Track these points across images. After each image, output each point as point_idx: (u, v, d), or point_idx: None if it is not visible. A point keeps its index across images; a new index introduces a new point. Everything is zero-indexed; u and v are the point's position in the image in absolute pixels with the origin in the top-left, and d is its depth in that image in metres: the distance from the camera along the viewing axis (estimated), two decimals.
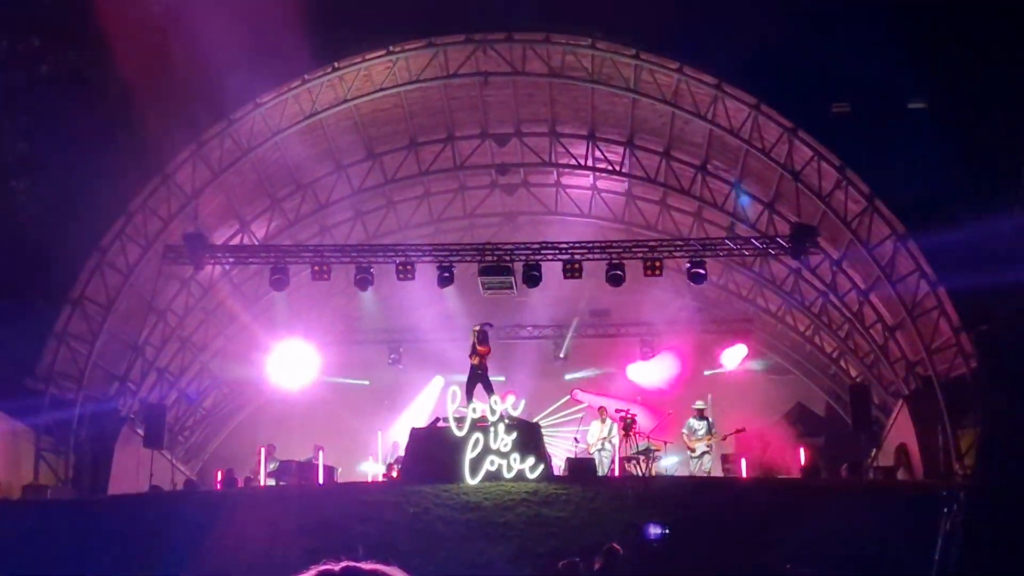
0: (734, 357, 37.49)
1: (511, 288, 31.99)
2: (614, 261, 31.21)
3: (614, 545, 16.94)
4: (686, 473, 30.14)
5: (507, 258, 31.34)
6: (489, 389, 26.22)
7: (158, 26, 28.18)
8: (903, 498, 22.89)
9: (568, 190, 37.05)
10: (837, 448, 34.08)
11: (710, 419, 30.66)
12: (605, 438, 30.30)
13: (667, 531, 19.81)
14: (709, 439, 29.75)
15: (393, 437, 32.87)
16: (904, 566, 17.62)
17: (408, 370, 39.19)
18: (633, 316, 39.44)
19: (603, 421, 30.75)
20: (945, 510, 15.94)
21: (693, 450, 29.81)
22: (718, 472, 31.24)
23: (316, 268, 31.20)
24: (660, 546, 19.70)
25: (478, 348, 26.78)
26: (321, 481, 28.99)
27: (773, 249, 31.78)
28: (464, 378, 27.20)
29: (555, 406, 37.23)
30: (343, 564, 3.60)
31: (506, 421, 25.05)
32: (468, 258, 32.03)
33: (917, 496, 22.00)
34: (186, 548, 20.51)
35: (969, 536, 15.00)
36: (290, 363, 35.24)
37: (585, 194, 37.07)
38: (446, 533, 21.22)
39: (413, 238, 35.54)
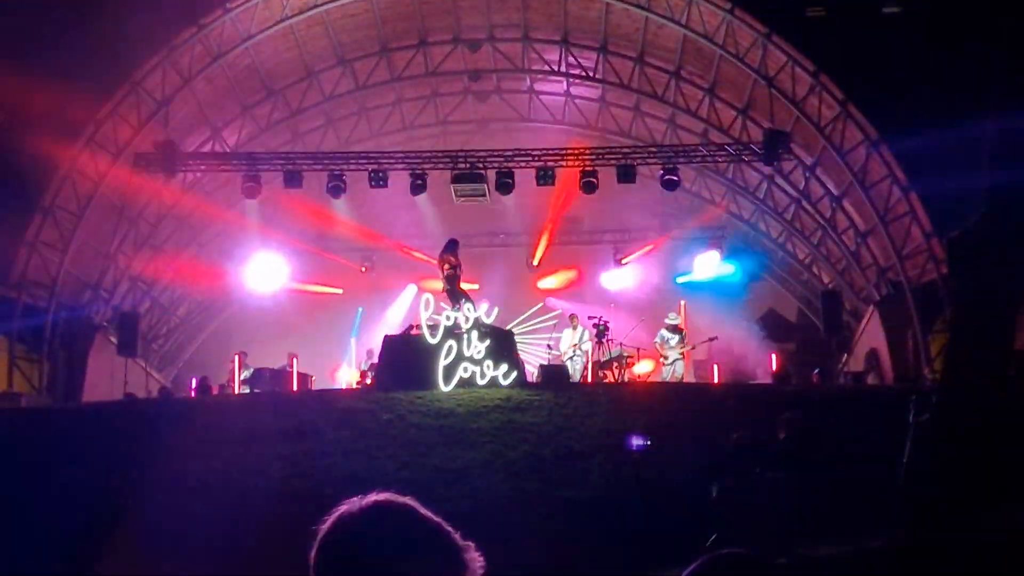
0: (707, 264, 37.57)
1: (484, 196, 32.00)
2: (587, 168, 31.12)
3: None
4: (659, 379, 30.12)
5: (480, 165, 31.28)
6: (462, 296, 26.23)
7: None
8: (873, 402, 23.00)
9: (541, 96, 36.98)
10: (808, 353, 34.49)
11: (684, 331, 30.67)
12: (576, 345, 30.44)
13: (649, 442, 19.90)
14: (681, 348, 29.83)
15: (367, 345, 32.88)
16: (874, 468, 17.77)
17: (381, 278, 39.22)
18: (606, 223, 39.50)
19: (574, 328, 30.88)
20: (913, 413, 16.06)
21: (666, 357, 29.89)
22: (691, 378, 31.43)
23: (288, 175, 31.04)
24: (641, 455, 19.83)
25: (449, 259, 26.73)
26: (295, 388, 29.04)
27: (746, 155, 31.87)
28: (437, 285, 27.31)
29: (528, 313, 37.31)
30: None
31: (479, 328, 25.04)
32: (441, 165, 31.94)
33: (887, 400, 22.15)
34: (161, 455, 20.50)
35: (937, 438, 15.14)
36: (263, 271, 35.26)
37: (558, 101, 36.98)
38: (420, 439, 21.18)
39: (385, 145, 35.41)
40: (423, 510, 3.59)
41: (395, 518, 3.54)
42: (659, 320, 30.89)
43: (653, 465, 19.72)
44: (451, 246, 26.73)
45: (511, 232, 39.47)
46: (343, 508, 3.57)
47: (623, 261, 39.01)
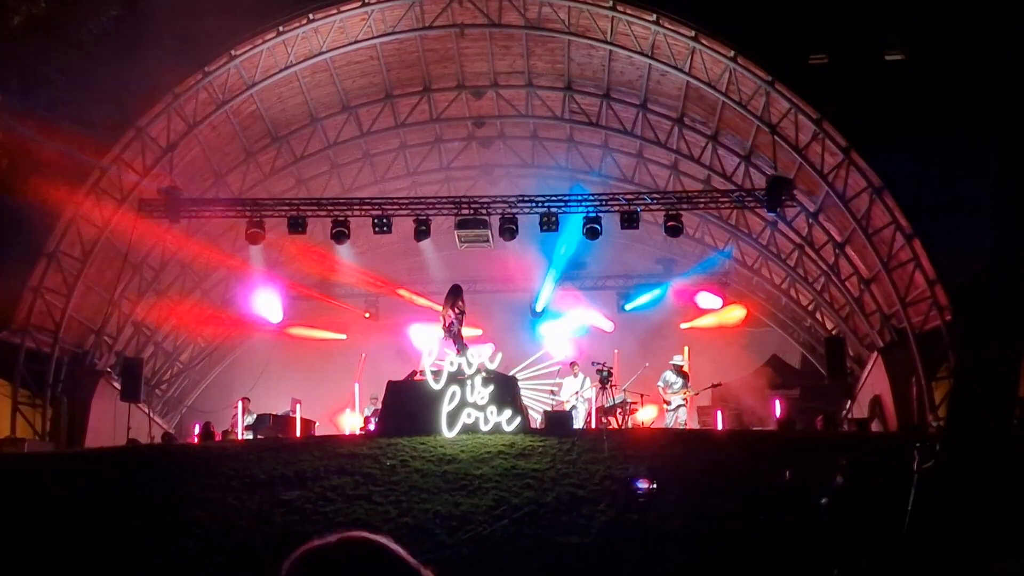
0: (710, 310, 37.51)
1: (487, 241, 32.08)
2: (591, 214, 31.22)
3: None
4: (662, 426, 29.91)
5: (483, 211, 31.31)
6: (465, 343, 26.27)
7: None
8: (877, 449, 22.89)
9: (544, 142, 37.11)
10: (812, 400, 34.22)
11: (687, 374, 30.53)
12: (578, 392, 30.33)
13: (654, 485, 19.86)
14: (685, 392, 29.73)
15: (370, 390, 32.75)
16: (878, 515, 17.70)
17: (385, 323, 39.25)
18: (610, 269, 39.72)
19: (575, 375, 30.79)
20: (917, 460, 16.00)
21: (668, 403, 29.69)
22: (694, 424, 31.27)
23: (292, 221, 31.07)
24: (645, 499, 19.79)
25: (453, 305, 26.71)
26: (298, 434, 28.92)
27: (749, 202, 31.88)
28: (441, 331, 27.41)
29: (532, 359, 37.20)
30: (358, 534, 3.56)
31: (483, 374, 24.99)
32: (445, 211, 31.93)
33: (891, 447, 22.07)
34: (163, 502, 20.49)
35: (941, 487, 15.07)
36: (267, 316, 35.45)
37: (562, 147, 37.20)
38: (423, 485, 21.11)
39: (389, 191, 35.50)
40: (394, 547, 3.55)
41: (361, 553, 3.50)
42: (663, 366, 30.73)
43: (657, 511, 19.65)
44: (455, 292, 26.71)
45: (514, 278, 39.33)
46: (310, 544, 3.52)
47: (627, 307, 39.23)
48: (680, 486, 20.47)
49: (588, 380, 29.97)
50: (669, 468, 21.17)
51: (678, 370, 30.00)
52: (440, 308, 27.45)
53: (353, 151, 36.53)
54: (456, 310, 26.17)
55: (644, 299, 38.92)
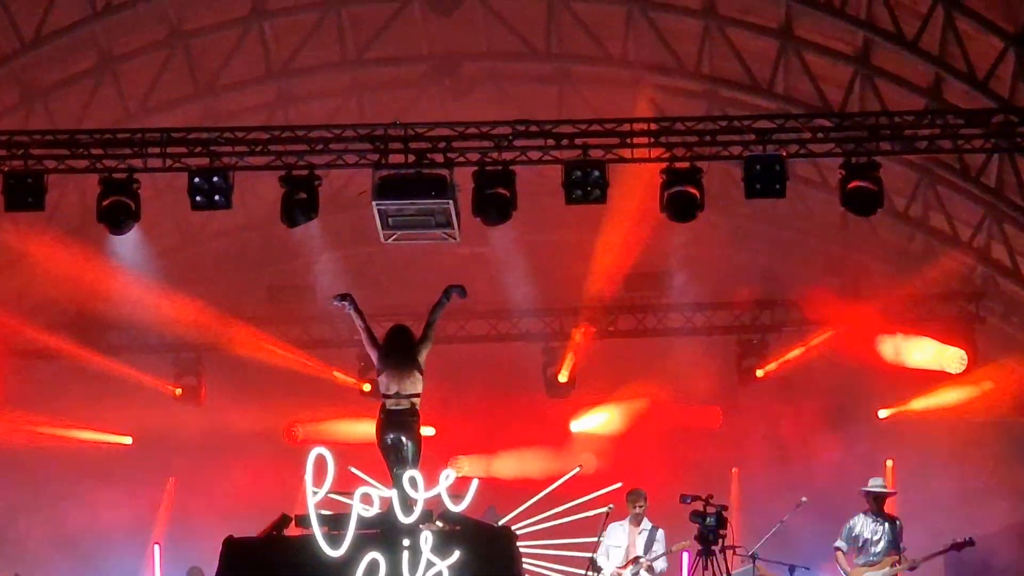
0: (938, 377, 37.73)
1: (447, 227, 31.42)
2: (677, 164, 30.58)
3: None
4: None
5: (436, 157, 30.71)
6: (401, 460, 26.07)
7: None
8: None
9: (575, 5, 36.98)
10: None
11: (899, 521, 30.15)
12: (641, 559, 30.33)
13: None
14: (895, 561, 29.39)
15: (187, 559, 33.09)
16: None
17: (219, 409, 39.82)
18: (721, 288, 40.16)
19: (636, 524, 30.74)
20: None
21: None
22: None
23: (14, 181, 30.10)
24: None
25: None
26: None
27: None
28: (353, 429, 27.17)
29: (549, 488, 37.07)
30: None
31: (439, 525, 24.90)
32: (352, 159, 31.23)
33: None
34: None
35: None
36: None
37: (615, 14, 37.19)
38: None
39: (226, 115, 36.08)
40: None
41: None
42: (841, 503, 30.70)
43: None
44: (399, 347, 26.35)
45: (509, 312, 40.10)
46: None
47: (760, 371, 39.52)
48: None
49: (661, 533, 30.32)
50: None
51: (876, 508, 29.75)
52: (355, 378, 27.36)
53: (150, 26, 36.65)
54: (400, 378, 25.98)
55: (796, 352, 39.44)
